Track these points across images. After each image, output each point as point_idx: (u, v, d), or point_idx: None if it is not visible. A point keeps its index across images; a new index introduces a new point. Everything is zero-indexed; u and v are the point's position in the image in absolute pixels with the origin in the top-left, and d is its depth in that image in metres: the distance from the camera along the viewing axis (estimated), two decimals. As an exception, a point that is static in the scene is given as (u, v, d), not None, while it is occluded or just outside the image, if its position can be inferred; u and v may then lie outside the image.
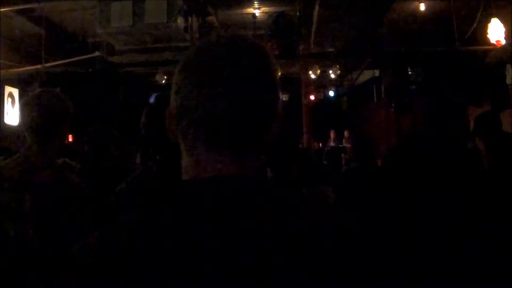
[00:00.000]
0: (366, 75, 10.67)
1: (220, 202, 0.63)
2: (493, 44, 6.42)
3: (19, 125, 1.75)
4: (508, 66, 7.32)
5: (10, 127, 7.76)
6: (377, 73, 10.16)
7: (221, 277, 0.57)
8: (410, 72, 9.05)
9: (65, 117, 1.73)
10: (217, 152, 0.66)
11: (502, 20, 6.23)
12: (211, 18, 7.68)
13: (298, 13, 7.47)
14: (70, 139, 7.89)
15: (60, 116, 1.71)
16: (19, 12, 7.05)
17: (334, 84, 12.08)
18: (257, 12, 7.80)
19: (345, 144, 10.20)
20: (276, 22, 7.23)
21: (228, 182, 0.65)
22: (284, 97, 11.67)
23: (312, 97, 9.49)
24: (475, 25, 6.60)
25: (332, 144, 10.90)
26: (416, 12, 7.21)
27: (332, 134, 11.22)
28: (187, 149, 0.69)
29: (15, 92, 8.47)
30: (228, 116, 0.65)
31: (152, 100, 1.80)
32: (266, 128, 0.69)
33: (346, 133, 10.66)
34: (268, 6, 7.68)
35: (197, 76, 0.67)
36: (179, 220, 0.62)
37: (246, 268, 0.58)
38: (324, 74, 9.63)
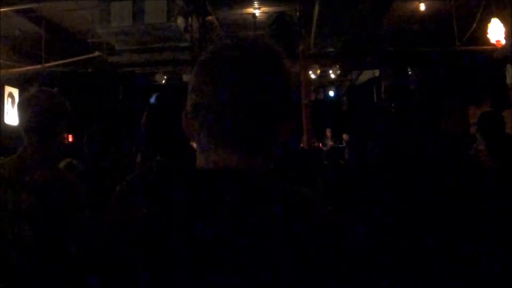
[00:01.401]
0: (366, 75, 10.66)
1: (222, 191, 0.64)
2: (493, 44, 6.42)
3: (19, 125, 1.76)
4: (508, 66, 7.31)
5: (10, 127, 7.76)
6: (377, 73, 10.15)
7: (223, 265, 0.58)
8: (410, 72, 9.04)
9: (62, 116, 1.73)
10: (228, 151, 0.68)
11: (502, 20, 6.22)
12: (211, 18, 7.69)
13: (298, 13, 7.47)
14: (70, 139, 7.89)
15: (57, 115, 1.71)
16: (19, 12, 7.05)
17: (334, 84, 12.08)
18: (257, 12, 7.80)
19: (345, 145, 10.20)
20: (276, 22, 7.22)
21: (230, 174, 0.66)
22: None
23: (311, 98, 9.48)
24: (475, 25, 6.60)
25: (330, 143, 10.90)
26: (416, 12, 7.20)
27: (328, 133, 11.22)
28: (200, 147, 0.71)
29: (15, 92, 8.47)
30: (238, 117, 0.66)
31: (152, 100, 1.80)
32: (277, 128, 0.70)
33: (345, 136, 10.66)
34: (268, 6, 7.67)
35: (210, 77, 0.69)
36: (182, 211, 0.63)
37: (245, 259, 0.59)
38: (324, 74, 9.63)
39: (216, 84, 0.68)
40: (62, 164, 2.77)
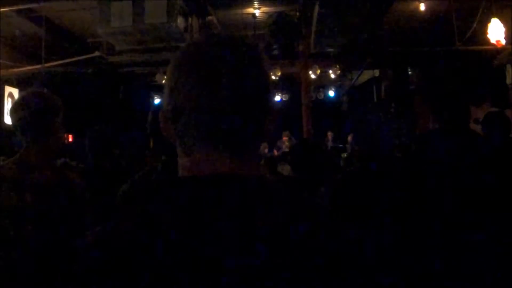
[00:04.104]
0: (366, 75, 10.66)
1: (221, 199, 0.63)
2: (493, 44, 6.42)
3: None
4: (508, 66, 7.32)
5: (10, 127, 7.75)
6: (377, 73, 10.16)
7: (218, 273, 0.58)
8: (410, 72, 9.05)
9: (53, 115, 1.74)
10: (216, 151, 0.67)
11: (502, 20, 6.23)
12: (211, 18, 7.69)
13: (298, 13, 7.47)
14: (70, 139, 7.89)
15: (47, 114, 1.72)
16: (19, 12, 7.05)
17: (334, 84, 12.08)
18: (257, 12, 7.80)
19: (345, 145, 10.17)
20: (276, 22, 7.22)
21: (229, 179, 0.65)
22: (284, 97, 11.69)
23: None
24: (475, 25, 6.60)
25: (330, 145, 10.87)
26: (416, 12, 7.20)
27: (329, 136, 11.18)
28: (184, 149, 0.69)
29: (15, 92, 8.47)
30: (226, 115, 0.65)
31: (158, 102, 1.81)
32: (262, 126, 0.69)
33: (350, 138, 10.59)
34: (268, 6, 7.67)
35: (192, 77, 0.67)
36: (178, 217, 0.62)
37: (246, 266, 0.58)
38: (324, 74, 9.63)
39: (200, 83, 0.66)
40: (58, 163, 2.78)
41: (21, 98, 1.77)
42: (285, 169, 5.60)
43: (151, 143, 1.78)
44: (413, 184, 1.43)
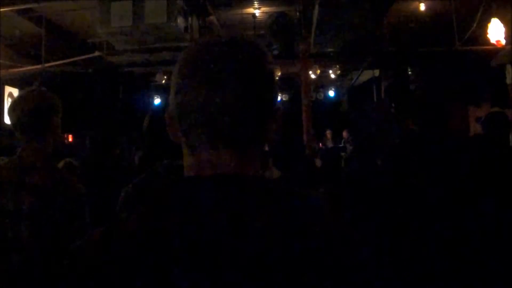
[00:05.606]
0: (366, 75, 10.67)
1: (221, 200, 0.63)
2: (493, 44, 6.42)
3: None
4: (508, 66, 7.31)
5: (10, 127, 7.75)
6: (377, 73, 10.16)
7: (221, 274, 0.58)
8: (410, 72, 9.05)
9: (51, 114, 1.74)
10: (219, 151, 0.67)
11: (502, 20, 6.23)
12: (211, 18, 7.69)
13: (298, 13, 7.48)
14: (70, 139, 7.89)
15: (45, 113, 1.72)
16: (19, 12, 7.05)
17: (334, 84, 12.09)
18: (257, 12, 7.80)
19: (345, 144, 10.18)
20: (276, 22, 7.23)
21: (230, 180, 0.66)
22: (284, 97, 11.70)
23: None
24: (475, 25, 6.60)
25: (330, 144, 10.87)
26: (416, 12, 7.21)
27: (328, 134, 11.19)
28: (189, 149, 0.69)
29: (15, 92, 8.46)
30: (230, 115, 0.66)
31: (156, 104, 1.82)
32: (266, 125, 0.69)
33: (344, 133, 10.61)
34: (268, 6, 7.68)
35: (197, 76, 0.67)
36: (180, 218, 0.62)
37: (246, 266, 0.58)
38: (324, 74, 9.64)
39: (206, 83, 0.66)
40: (60, 164, 2.78)
41: (19, 96, 1.77)
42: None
43: (148, 146, 1.78)
44: (409, 183, 1.44)
